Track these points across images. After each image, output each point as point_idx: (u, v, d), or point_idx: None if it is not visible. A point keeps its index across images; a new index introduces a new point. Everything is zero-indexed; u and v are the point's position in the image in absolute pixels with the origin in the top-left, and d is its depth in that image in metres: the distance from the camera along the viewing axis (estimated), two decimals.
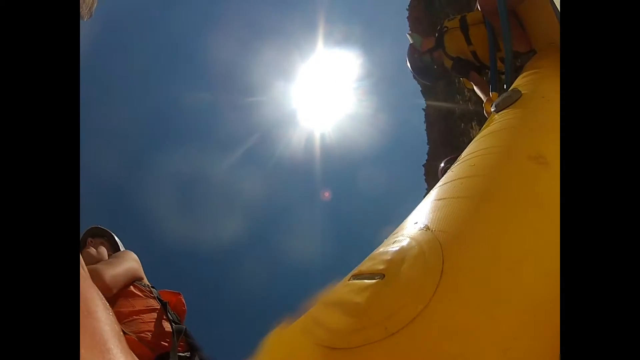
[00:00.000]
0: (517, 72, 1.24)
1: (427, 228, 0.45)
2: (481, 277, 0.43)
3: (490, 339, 0.39)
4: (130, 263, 1.02)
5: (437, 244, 0.43)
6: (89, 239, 1.26)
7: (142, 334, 0.84)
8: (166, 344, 0.86)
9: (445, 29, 1.79)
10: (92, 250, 1.19)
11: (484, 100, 1.60)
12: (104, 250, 1.23)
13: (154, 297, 0.98)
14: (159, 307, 0.94)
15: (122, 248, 1.25)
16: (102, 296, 0.39)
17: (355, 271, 0.43)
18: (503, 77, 1.60)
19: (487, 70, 1.73)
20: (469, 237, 0.46)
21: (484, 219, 0.49)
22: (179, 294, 1.04)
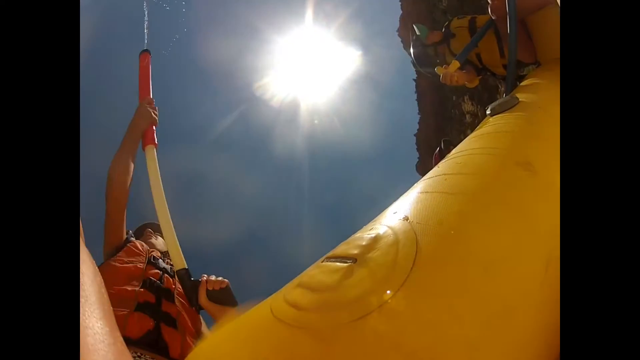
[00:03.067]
0: (518, 81, 1.24)
1: (405, 218, 0.45)
2: (454, 273, 0.43)
3: (457, 337, 0.39)
4: None
5: (413, 235, 0.43)
6: (148, 230, 1.31)
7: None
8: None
9: (450, 30, 1.79)
10: (154, 239, 1.24)
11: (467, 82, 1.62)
12: (162, 242, 1.27)
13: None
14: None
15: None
16: (91, 257, 0.38)
17: (329, 254, 0.43)
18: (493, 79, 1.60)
19: (487, 73, 1.74)
20: (447, 232, 0.46)
21: (464, 216, 0.49)
22: None
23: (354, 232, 0.52)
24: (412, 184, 0.55)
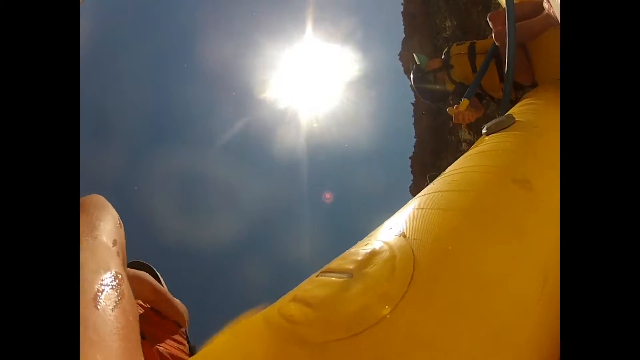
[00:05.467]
0: (512, 103, 1.27)
1: (401, 235, 0.45)
2: (451, 290, 0.44)
3: (455, 355, 0.38)
4: (177, 300, 1.06)
5: (410, 251, 0.43)
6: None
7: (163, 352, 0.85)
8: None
9: (449, 57, 1.83)
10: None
11: (470, 119, 1.65)
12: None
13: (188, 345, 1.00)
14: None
15: (162, 281, 1.26)
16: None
17: (324, 268, 0.43)
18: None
19: (487, 98, 1.77)
20: (444, 249, 0.46)
21: (461, 233, 0.49)
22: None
23: (353, 235, 0.52)
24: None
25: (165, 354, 0.80)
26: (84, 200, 0.53)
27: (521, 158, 0.70)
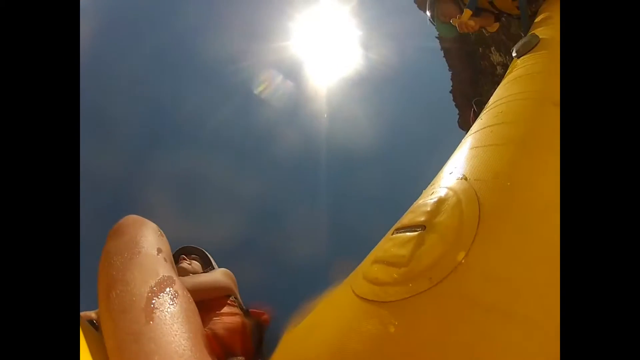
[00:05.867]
0: (532, 17, 1.21)
1: (462, 177, 0.44)
2: (516, 225, 0.43)
3: (525, 286, 0.39)
4: (216, 276, 1.01)
5: (473, 192, 0.42)
6: (182, 256, 1.28)
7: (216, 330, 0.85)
8: (237, 341, 0.85)
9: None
10: (186, 264, 1.20)
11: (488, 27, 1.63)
12: (197, 265, 1.25)
13: (240, 310, 0.99)
14: (242, 314, 0.96)
15: (214, 263, 1.25)
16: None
17: (397, 225, 0.43)
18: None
19: (504, 18, 1.71)
20: (503, 185, 0.45)
21: (516, 166, 0.48)
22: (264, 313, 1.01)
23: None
24: (456, 143, 0.54)
25: (219, 331, 0.81)
26: (119, 224, 0.53)
27: (554, 78, 0.67)
